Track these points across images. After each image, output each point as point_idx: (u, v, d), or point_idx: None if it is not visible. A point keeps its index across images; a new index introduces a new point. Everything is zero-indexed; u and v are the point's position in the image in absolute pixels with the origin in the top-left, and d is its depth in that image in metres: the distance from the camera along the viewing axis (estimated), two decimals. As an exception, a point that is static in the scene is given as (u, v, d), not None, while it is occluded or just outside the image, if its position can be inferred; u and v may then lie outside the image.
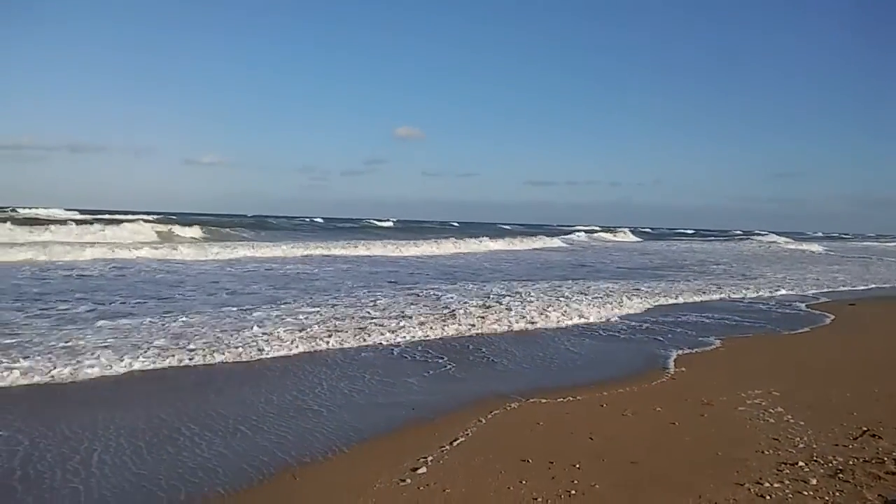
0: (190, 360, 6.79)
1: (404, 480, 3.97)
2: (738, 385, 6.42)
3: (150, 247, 21.10)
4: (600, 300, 12.34)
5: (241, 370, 6.65)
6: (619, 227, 78.96)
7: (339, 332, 8.39)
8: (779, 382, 6.55)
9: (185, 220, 41.20)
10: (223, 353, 7.06)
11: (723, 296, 14.41)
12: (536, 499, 3.72)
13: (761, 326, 10.42)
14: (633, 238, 60.44)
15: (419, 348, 7.94)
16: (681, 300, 13.35)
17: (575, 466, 4.22)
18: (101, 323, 8.36)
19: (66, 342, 7.14)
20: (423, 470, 4.13)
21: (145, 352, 6.90)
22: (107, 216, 42.06)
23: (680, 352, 8.12)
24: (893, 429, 5.00)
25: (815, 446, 4.64)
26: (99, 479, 3.93)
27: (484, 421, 5.19)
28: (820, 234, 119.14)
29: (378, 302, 11.13)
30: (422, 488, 3.86)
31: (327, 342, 7.85)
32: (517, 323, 9.76)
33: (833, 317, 11.68)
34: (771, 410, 5.57)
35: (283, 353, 7.31)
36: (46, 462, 4.15)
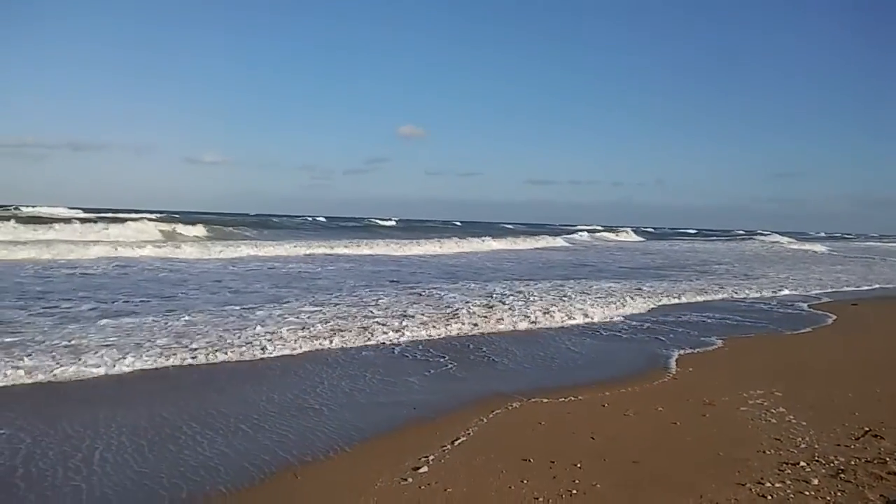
0: (192, 359, 6.80)
1: (406, 479, 3.98)
2: (740, 385, 6.42)
3: (153, 245, 21.13)
4: (603, 300, 12.33)
5: (244, 369, 6.66)
6: (622, 227, 78.89)
7: (340, 331, 8.40)
8: (781, 382, 6.54)
9: (189, 218, 41.23)
10: (225, 352, 7.07)
11: (725, 296, 14.40)
12: (538, 498, 3.73)
13: (763, 326, 10.41)
14: (636, 238, 60.38)
15: (420, 347, 7.94)
16: (683, 300, 13.34)
17: (576, 466, 4.22)
18: (103, 321, 8.38)
19: (69, 341, 7.16)
20: (424, 469, 4.13)
21: (148, 351, 6.91)
22: (109, 214, 42.20)
23: (682, 352, 8.12)
24: (895, 429, 5.00)
25: (816, 446, 4.63)
26: (101, 477, 3.94)
27: (485, 420, 5.20)
28: (822, 234, 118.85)
29: (380, 301, 11.14)
30: (423, 487, 3.86)
31: (329, 341, 7.86)
32: (519, 322, 9.76)
33: (835, 317, 11.66)
34: (773, 410, 5.56)
35: (284, 352, 7.32)
36: (49, 460, 4.17)
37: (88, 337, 7.40)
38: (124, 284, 12.75)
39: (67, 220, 29.38)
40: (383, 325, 8.94)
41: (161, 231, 30.55)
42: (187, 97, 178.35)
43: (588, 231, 63.63)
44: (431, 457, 4.36)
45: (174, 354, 6.84)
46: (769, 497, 3.74)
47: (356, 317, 9.45)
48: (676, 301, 13.13)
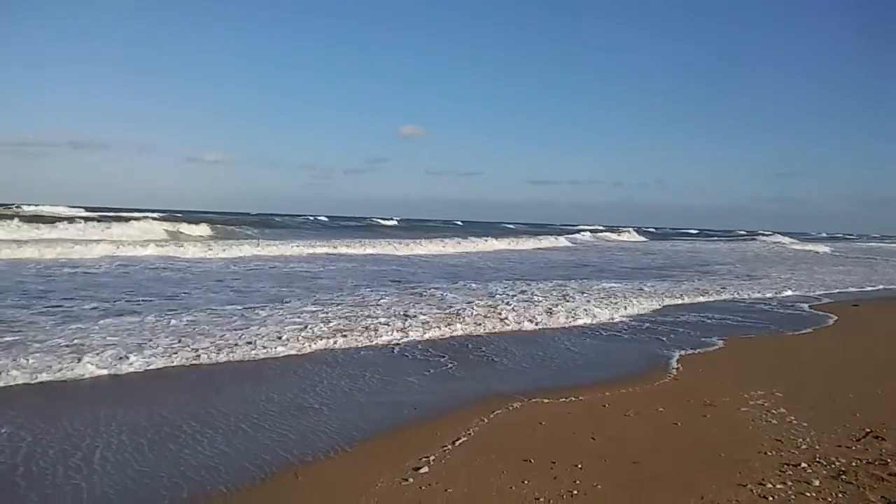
0: (195, 358, 6.81)
1: (406, 480, 3.98)
2: (741, 386, 6.41)
3: (155, 244, 21.13)
4: (605, 300, 12.32)
5: (244, 369, 6.67)
6: (624, 227, 78.84)
7: (341, 331, 8.40)
8: (782, 383, 6.53)
9: (192, 217, 41.26)
10: (226, 352, 7.07)
11: (727, 296, 14.38)
12: (539, 499, 3.72)
13: (764, 327, 10.40)
14: (638, 238, 60.33)
15: (419, 347, 7.94)
16: (685, 300, 13.33)
17: (577, 466, 4.22)
18: (105, 321, 8.39)
19: (71, 340, 7.17)
20: (425, 469, 4.13)
21: (149, 350, 6.92)
22: (111, 213, 42.25)
23: (682, 352, 8.11)
24: (897, 430, 4.99)
25: (817, 447, 4.63)
26: (101, 476, 3.94)
27: (486, 420, 5.20)
28: (824, 235, 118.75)
29: (381, 301, 11.14)
30: (424, 488, 3.86)
31: (330, 342, 7.86)
32: (520, 323, 9.76)
33: (836, 317, 11.65)
34: (774, 411, 5.56)
35: (285, 352, 7.33)
36: (49, 459, 4.17)
37: (90, 336, 7.41)
38: (127, 283, 12.76)
39: (71, 220, 29.39)
40: (384, 325, 8.94)
41: (166, 231, 30.58)
42: (188, 95, 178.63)
43: (590, 231, 63.57)
44: (432, 457, 4.36)
45: (175, 354, 6.84)
46: (770, 498, 3.74)
47: (357, 317, 9.45)
48: (678, 301, 13.12)
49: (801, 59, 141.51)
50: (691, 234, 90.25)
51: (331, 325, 8.72)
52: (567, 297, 12.41)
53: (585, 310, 10.99)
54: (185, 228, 32.59)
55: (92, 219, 31.35)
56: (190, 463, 4.20)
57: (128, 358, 6.56)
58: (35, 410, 5.10)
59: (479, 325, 9.40)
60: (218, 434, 4.74)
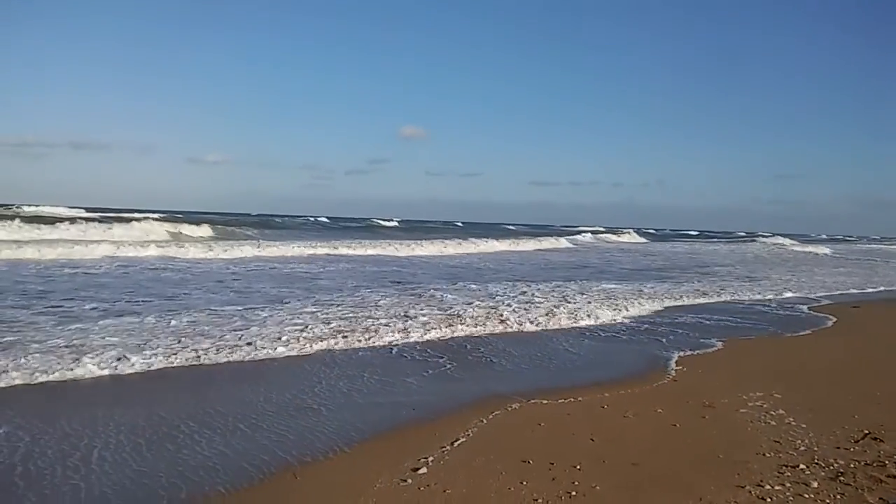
0: (196, 359, 6.81)
1: (405, 480, 3.98)
2: (740, 387, 6.41)
3: (156, 245, 21.13)
4: (604, 301, 12.32)
5: (244, 369, 6.67)
6: (625, 228, 78.83)
7: (341, 332, 8.41)
8: (780, 385, 6.53)
9: (193, 218, 41.27)
10: (226, 352, 7.08)
11: (727, 297, 14.38)
12: (537, 500, 3.72)
13: (763, 328, 10.40)
14: (638, 239, 60.34)
15: (418, 348, 7.94)
16: (685, 301, 13.33)
17: (576, 468, 4.22)
18: (105, 321, 8.39)
19: (70, 340, 7.17)
20: (423, 470, 4.13)
21: (148, 350, 6.92)
22: (112, 214, 42.26)
23: (681, 353, 8.11)
24: (895, 432, 4.99)
25: (816, 449, 4.63)
26: (99, 475, 3.95)
27: (485, 421, 5.20)
28: (824, 236, 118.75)
29: (381, 302, 11.14)
30: (422, 489, 3.87)
31: (329, 342, 7.87)
32: (520, 324, 9.76)
33: (835, 319, 11.65)
34: (772, 413, 5.56)
35: (284, 352, 7.33)
36: (47, 458, 4.17)
37: (89, 336, 7.41)
38: (127, 284, 12.77)
39: (73, 220, 29.39)
40: (384, 325, 8.94)
41: (168, 231, 30.59)
42: (188, 96, 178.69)
43: (591, 232, 63.56)
44: (431, 458, 4.36)
45: (174, 354, 6.84)
46: (768, 499, 3.74)
47: (357, 318, 9.46)
48: (678, 303, 13.12)
49: (801, 59, 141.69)
50: (691, 236, 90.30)
51: (330, 326, 8.72)
52: (566, 299, 12.42)
53: (585, 311, 10.99)
54: (187, 229, 32.60)
55: (93, 219, 31.34)
56: (188, 463, 4.20)
57: (127, 358, 6.57)
58: (34, 410, 5.10)
59: (479, 326, 9.40)
60: (216, 434, 4.74)
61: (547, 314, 10.48)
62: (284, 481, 3.98)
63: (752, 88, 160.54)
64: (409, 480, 3.98)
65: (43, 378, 5.89)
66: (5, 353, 6.45)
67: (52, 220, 28.53)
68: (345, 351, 7.63)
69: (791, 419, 5.37)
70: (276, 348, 7.38)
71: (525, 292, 13.14)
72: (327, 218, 75.60)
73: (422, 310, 10.36)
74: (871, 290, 18.26)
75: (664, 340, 8.96)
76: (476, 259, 25.46)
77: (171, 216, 43.93)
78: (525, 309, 10.88)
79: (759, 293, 15.50)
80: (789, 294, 15.79)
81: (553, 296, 12.78)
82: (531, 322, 9.90)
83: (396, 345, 8.06)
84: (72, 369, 6.13)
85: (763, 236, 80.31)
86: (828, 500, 3.73)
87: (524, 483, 3.96)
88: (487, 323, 9.61)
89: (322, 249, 24.46)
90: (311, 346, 7.62)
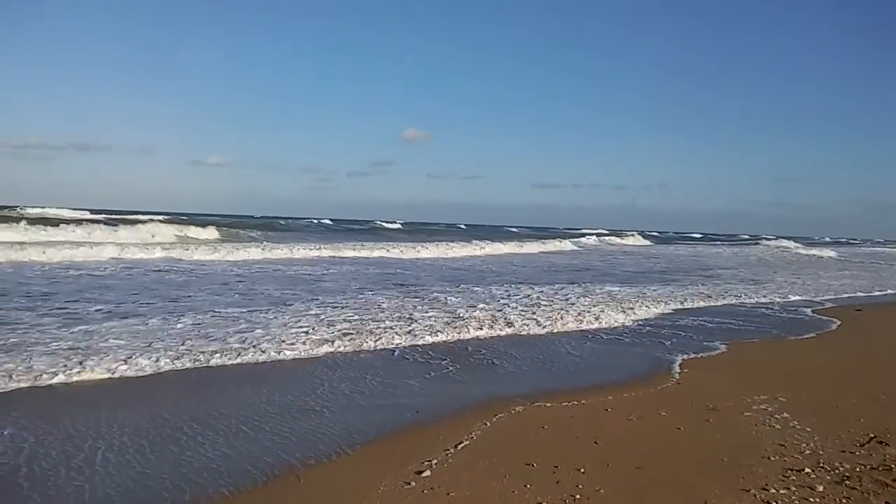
0: (198, 361, 6.82)
1: (409, 483, 3.97)
2: (744, 390, 6.39)
3: (161, 247, 21.19)
4: (608, 304, 12.30)
5: (247, 371, 6.68)
6: (629, 231, 78.70)
7: (344, 334, 8.41)
8: (785, 388, 6.51)
9: (197, 220, 41.30)
10: (230, 354, 7.08)
11: (730, 300, 14.35)
12: (541, 503, 3.72)
13: (767, 331, 10.37)
14: (642, 241, 60.24)
15: (421, 350, 7.94)
16: (689, 304, 13.31)
17: (580, 471, 4.21)
18: (109, 323, 8.41)
19: (74, 342, 7.19)
20: (427, 473, 4.13)
21: (153, 352, 6.93)
22: (116, 216, 42.34)
23: (685, 356, 8.09)
24: (901, 436, 4.96)
25: (821, 452, 4.61)
26: (103, 477, 3.95)
27: (488, 424, 5.19)
28: (827, 239, 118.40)
29: (384, 304, 11.15)
30: (426, 491, 3.86)
31: (332, 345, 7.87)
32: (523, 326, 9.75)
33: (839, 322, 11.61)
34: (777, 416, 5.54)
35: (287, 354, 7.33)
36: (51, 460, 4.18)
37: (94, 338, 7.43)
38: (131, 286, 12.79)
39: (79, 222, 29.47)
40: (387, 328, 8.95)
41: (175, 234, 30.66)
42: (190, 98, 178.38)
43: (595, 235, 63.45)
44: (434, 460, 4.35)
45: (178, 356, 6.85)
46: (773, 503, 3.72)
47: (360, 320, 9.46)
48: (682, 306, 13.10)
49: (803, 62, 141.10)
50: (695, 238, 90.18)
51: (333, 328, 8.73)
52: (570, 301, 12.40)
53: (588, 314, 10.97)
54: (193, 232, 32.66)
55: (97, 221, 31.44)
56: (192, 465, 4.20)
57: (131, 360, 6.58)
58: (38, 412, 5.11)
59: (481, 328, 9.39)
60: (220, 436, 4.75)
61: (550, 317, 10.47)
62: (288, 483, 3.98)
63: (753, 91, 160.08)
64: (413, 483, 3.97)
65: (47, 380, 5.90)
66: (10, 355, 6.47)
67: (56, 222, 28.61)
68: (347, 353, 7.63)
69: (796, 422, 5.35)
70: (279, 350, 7.39)
71: (528, 295, 13.13)
72: (330, 220, 75.62)
73: (425, 312, 10.36)
74: (878, 293, 18.22)
75: (668, 343, 8.95)
76: (479, 262, 25.45)
77: (175, 218, 44.00)
78: (528, 311, 10.86)
79: (766, 296, 15.46)
80: (793, 297, 15.74)
81: (556, 298, 12.77)
82: (534, 324, 9.89)
83: (399, 347, 8.06)
84: (76, 371, 6.14)
85: (767, 239, 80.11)
86: (833, 504, 3.71)
87: (528, 486, 3.95)
88: (490, 325, 9.60)
89: (325, 252, 24.48)
90: (314, 349, 7.62)
